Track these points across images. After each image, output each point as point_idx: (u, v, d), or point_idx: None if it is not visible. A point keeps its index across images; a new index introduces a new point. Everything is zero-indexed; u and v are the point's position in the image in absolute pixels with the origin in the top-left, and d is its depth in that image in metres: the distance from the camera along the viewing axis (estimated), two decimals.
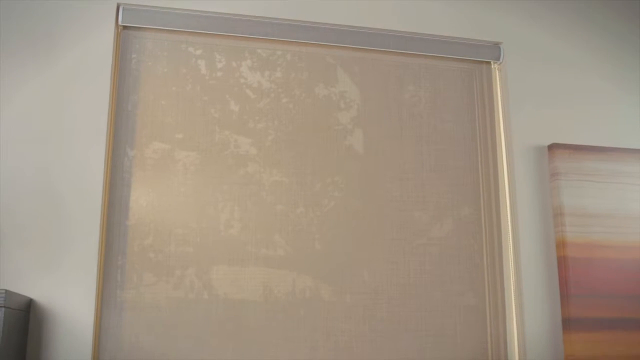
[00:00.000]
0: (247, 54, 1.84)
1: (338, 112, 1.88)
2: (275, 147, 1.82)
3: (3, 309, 1.27)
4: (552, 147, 1.89)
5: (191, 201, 1.74)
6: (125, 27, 1.77)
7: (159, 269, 1.68)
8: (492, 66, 2.01)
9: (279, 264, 1.76)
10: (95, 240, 1.60)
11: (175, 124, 1.76)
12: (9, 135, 1.60)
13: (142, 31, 1.79)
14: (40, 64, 1.65)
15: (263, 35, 1.83)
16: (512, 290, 1.88)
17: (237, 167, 1.79)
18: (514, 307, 1.87)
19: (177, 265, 1.69)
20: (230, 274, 1.72)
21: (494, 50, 1.99)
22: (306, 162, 1.84)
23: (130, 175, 1.71)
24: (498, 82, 2.00)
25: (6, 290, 1.28)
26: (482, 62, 2.01)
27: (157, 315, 1.65)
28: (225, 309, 1.70)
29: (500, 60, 1.99)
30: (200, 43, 1.81)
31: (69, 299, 1.55)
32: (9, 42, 1.64)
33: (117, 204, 1.68)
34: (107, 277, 1.64)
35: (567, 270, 1.81)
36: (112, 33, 1.71)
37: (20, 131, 1.60)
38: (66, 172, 1.61)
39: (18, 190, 1.58)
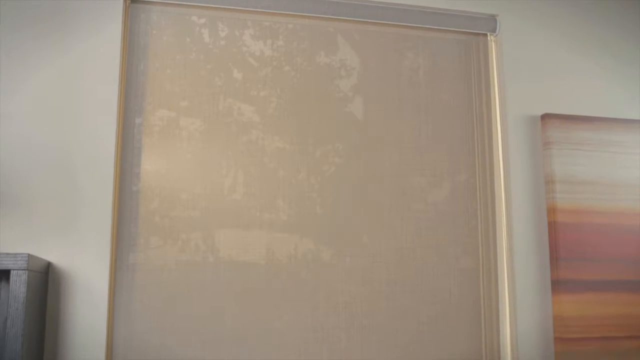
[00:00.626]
0: (250, 23, 1.89)
1: (339, 80, 1.93)
2: (277, 115, 1.87)
3: (26, 271, 1.33)
4: (545, 117, 1.95)
5: (196, 167, 1.79)
6: (133, 1, 1.81)
7: (165, 232, 1.73)
8: (489, 38, 2.06)
9: (281, 227, 1.82)
10: (108, 206, 1.65)
11: (180, 92, 1.81)
12: (25, 108, 1.65)
13: (149, 5, 1.83)
14: (54, 40, 1.69)
15: (265, 8, 1.87)
16: (505, 253, 1.94)
17: (240, 134, 1.83)
18: (505, 270, 1.93)
19: (182, 229, 1.75)
20: (235, 237, 1.78)
21: (491, 22, 2.04)
22: (307, 128, 1.89)
23: (138, 143, 1.76)
24: (494, 53, 2.04)
25: (29, 255, 1.34)
26: (478, 34, 2.06)
27: (165, 277, 1.71)
28: (229, 271, 1.76)
29: (497, 32, 2.04)
30: (204, 13, 1.86)
31: (84, 262, 1.61)
32: (24, 19, 1.68)
33: (128, 171, 1.74)
34: (119, 240, 1.70)
35: (557, 235, 1.88)
36: (121, 7, 1.75)
37: (36, 105, 1.65)
38: (80, 141, 1.67)
39: (35, 161, 1.63)
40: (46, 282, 1.54)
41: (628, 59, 2.11)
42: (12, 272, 1.32)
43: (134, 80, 1.78)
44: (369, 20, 1.96)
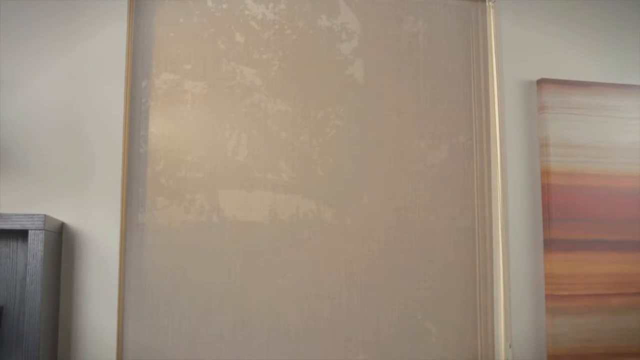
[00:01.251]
0: None
1: (340, 44, 1.98)
2: (279, 78, 1.92)
3: (43, 231, 1.41)
4: (541, 82, 2.00)
5: (200, 129, 1.84)
6: None
7: (171, 193, 1.80)
8: (487, 4, 2.09)
9: (283, 188, 1.88)
10: (118, 168, 1.72)
11: (184, 55, 1.85)
12: (37, 75, 1.70)
13: None
14: (62, 7, 1.74)
15: None
16: (500, 214, 2.01)
17: (243, 97, 1.89)
18: (500, 229, 2.00)
19: (188, 190, 1.82)
20: (238, 198, 1.85)
21: None
22: (309, 91, 1.94)
23: (145, 106, 1.81)
24: (492, 19, 2.08)
25: (45, 215, 1.41)
26: (477, 0, 2.09)
27: (172, 236, 1.78)
28: (234, 231, 1.83)
29: None
30: None
31: (96, 222, 1.69)
32: None
33: (136, 134, 1.80)
34: (129, 201, 1.77)
35: (550, 197, 1.95)
36: None
37: (47, 71, 1.71)
38: (90, 105, 1.73)
39: (49, 126, 1.70)
40: (60, 241, 1.62)
41: (624, 25, 2.15)
42: (30, 232, 1.39)
43: (140, 43, 1.83)
44: None
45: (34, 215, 1.39)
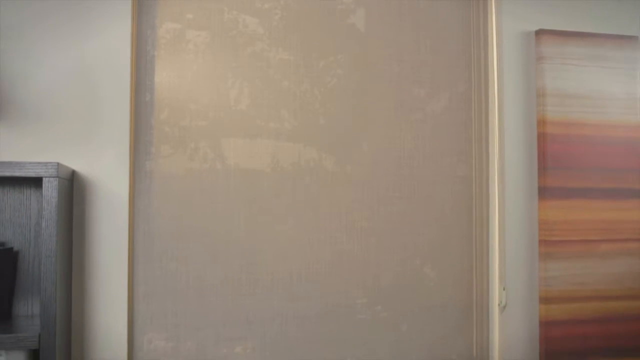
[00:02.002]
0: None
1: None
2: (281, 27, 1.95)
3: (57, 179, 1.48)
4: (540, 33, 2.03)
5: (203, 78, 1.88)
6: None
7: (175, 142, 1.85)
8: None
9: (285, 136, 1.93)
10: (125, 117, 1.77)
11: (186, 4, 1.88)
12: (47, 30, 1.74)
13: None
14: None
15: None
16: (496, 162, 2.05)
17: (245, 46, 1.92)
18: (497, 177, 2.05)
19: (191, 138, 1.87)
20: (241, 146, 1.90)
21: None
22: (311, 40, 1.97)
23: (150, 55, 1.85)
24: None
25: (58, 163, 1.47)
26: None
27: (179, 184, 1.85)
28: (237, 178, 1.89)
29: None
30: None
31: (105, 169, 1.75)
32: None
33: (142, 82, 1.84)
34: (136, 149, 1.83)
35: (546, 145, 2.00)
36: None
37: (57, 25, 1.74)
38: (99, 56, 1.76)
39: (59, 76, 1.74)
40: (72, 188, 1.69)
41: None
42: (44, 179, 1.46)
43: None
44: None
45: (47, 163, 1.46)
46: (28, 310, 1.68)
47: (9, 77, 1.70)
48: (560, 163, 2.02)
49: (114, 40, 1.78)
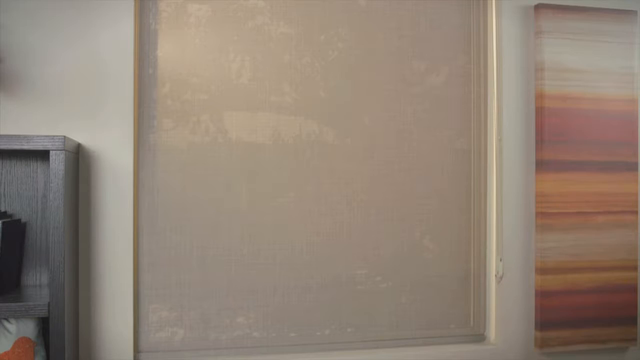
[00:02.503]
0: None
1: None
2: (282, 1, 1.96)
3: (64, 152, 1.52)
4: (539, 7, 2.04)
5: (204, 52, 1.91)
6: None
7: (177, 115, 1.89)
8: None
9: (286, 110, 1.96)
10: (129, 90, 1.79)
11: None
12: (55, 8, 1.76)
13: None
14: None
15: None
16: (494, 135, 2.10)
17: (246, 20, 1.94)
18: (495, 150, 2.10)
19: (193, 111, 1.91)
20: (242, 119, 1.93)
21: None
22: (312, 14, 1.99)
23: (152, 28, 1.88)
24: None
25: (64, 136, 1.51)
26: None
27: (180, 157, 1.88)
28: (239, 151, 1.92)
29: None
30: None
31: (110, 142, 1.79)
32: None
33: (146, 56, 1.87)
34: (140, 122, 1.87)
35: (543, 119, 2.03)
36: None
37: (63, 3, 1.77)
38: (103, 31, 1.79)
39: (64, 51, 1.76)
40: (77, 161, 1.73)
41: None
42: (51, 152, 1.50)
43: None
44: None
45: (54, 136, 1.49)
46: (36, 280, 1.73)
47: (16, 52, 1.73)
48: (557, 136, 2.05)
49: (117, 14, 1.80)
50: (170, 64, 1.89)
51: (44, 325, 1.72)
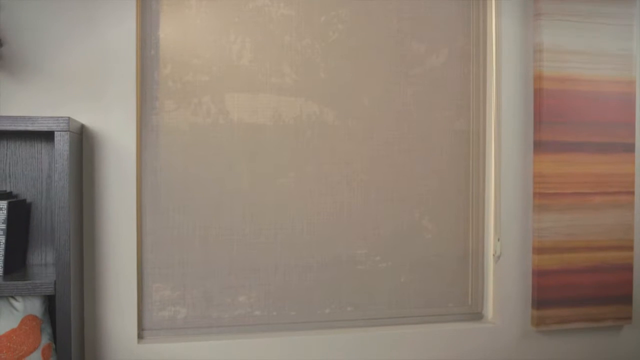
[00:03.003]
0: None
1: None
2: None
3: (68, 132, 1.55)
4: None
5: (205, 33, 1.93)
6: None
7: (179, 96, 1.92)
8: None
9: (287, 91, 1.99)
10: (132, 71, 1.82)
11: None
12: None
13: None
14: None
15: None
16: (493, 116, 2.13)
17: (247, 1, 1.96)
18: (493, 131, 2.14)
19: (194, 93, 1.93)
20: (243, 100, 1.96)
21: None
22: None
23: (154, 10, 1.90)
24: None
25: (69, 117, 1.54)
26: None
27: (182, 138, 1.92)
28: (240, 132, 1.96)
29: None
30: None
31: (113, 123, 1.82)
32: None
33: (148, 37, 1.89)
34: (143, 103, 1.89)
35: (542, 100, 2.06)
36: None
37: None
38: (105, 12, 1.81)
39: (67, 33, 1.78)
40: (81, 142, 1.77)
41: None
42: (55, 133, 1.54)
43: None
44: None
45: (59, 117, 1.52)
46: (41, 259, 1.78)
47: (20, 34, 1.76)
48: (555, 118, 2.08)
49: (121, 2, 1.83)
50: (172, 45, 1.92)
51: (50, 303, 1.77)
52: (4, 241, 1.60)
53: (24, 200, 1.69)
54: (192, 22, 1.93)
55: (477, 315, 2.19)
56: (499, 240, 2.13)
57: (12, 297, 1.61)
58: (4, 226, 1.59)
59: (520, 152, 2.13)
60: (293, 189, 2.01)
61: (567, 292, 2.12)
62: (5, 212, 1.59)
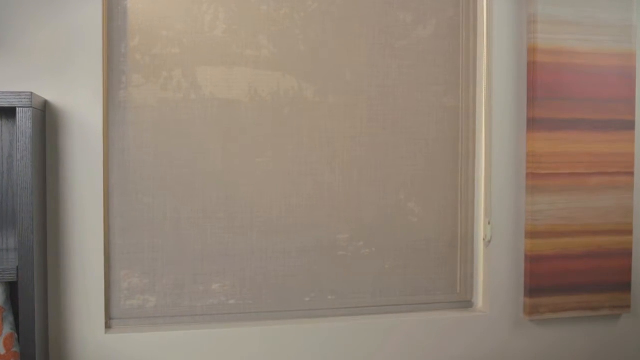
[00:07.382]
0: None
1: None
2: None
3: (31, 109, 1.61)
4: None
5: (175, 2, 1.99)
6: None
7: (147, 70, 1.98)
8: None
9: (263, 64, 2.06)
10: (98, 44, 1.88)
11: None
12: None
13: None
14: None
15: None
16: (484, 92, 2.21)
17: None
18: (484, 108, 2.21)
19: (163, 66, 2.00)
20: (216, 74, 2.03)
21: None
22: None
23: None
24: None
25: (32, 92, 1.60)
26: None
27: (151, 114, 1.99)
28: (213, 108, 2.03)
29: None
30: None
31: (78, 99, 1.88)
32: None
33: (114, 8, 1.95)
34: (110, 78, 1.96)
35: (536, 75, 2.12)
36: None
37: None
38: None
39: (30, 4, 1.84)
40: (44, 119, 1.85)
41: None
42: (17, 109, 1.61)
43: None
44: None
45: (21, 92, 1.59)
46: (2, 244, 1.87)
47: None
48: (550, 93, 2.15)
49: None
50: (140, 15, 1.98)
51: (12, 290, 1.85)
52: None
53: None
54: None
55: (466, 304, 2.29)
56: (489, 224, 2.20)
57: None
58: None
59: (513, 129, 2.20)
60: (270, 170, 2.09)
61: (562, 279, 2.20)
62: None
